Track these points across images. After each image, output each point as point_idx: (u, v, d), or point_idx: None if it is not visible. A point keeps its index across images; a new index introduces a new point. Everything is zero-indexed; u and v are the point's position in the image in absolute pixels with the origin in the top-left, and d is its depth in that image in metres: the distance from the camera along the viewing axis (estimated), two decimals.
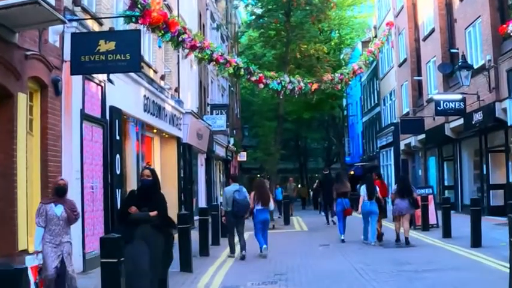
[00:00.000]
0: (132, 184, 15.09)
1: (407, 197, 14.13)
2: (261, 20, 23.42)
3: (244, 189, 13.06)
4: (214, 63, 15.61)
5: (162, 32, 13.20)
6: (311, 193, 41.49)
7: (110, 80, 11.71)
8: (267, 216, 13.10)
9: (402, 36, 30.97)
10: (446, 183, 25.45)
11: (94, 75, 11.37)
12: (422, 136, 26.89)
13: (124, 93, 13.22)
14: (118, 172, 12.61)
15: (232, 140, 37.05)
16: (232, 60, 16.28)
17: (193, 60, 18.27)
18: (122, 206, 10.51)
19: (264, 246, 12.65)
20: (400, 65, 31.60)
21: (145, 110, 15.18)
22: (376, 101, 40.84)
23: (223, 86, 36.79)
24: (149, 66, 16.81)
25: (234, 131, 40.40)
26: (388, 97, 35.89)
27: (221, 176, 35.09)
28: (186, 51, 14.86)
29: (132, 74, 13.84)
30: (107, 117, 12.19)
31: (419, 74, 27.98)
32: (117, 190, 12.46)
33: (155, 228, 7.61)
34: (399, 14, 31.22)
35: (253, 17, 23.60)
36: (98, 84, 11.81)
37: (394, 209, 14.28)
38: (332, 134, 50.27)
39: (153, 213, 7.64)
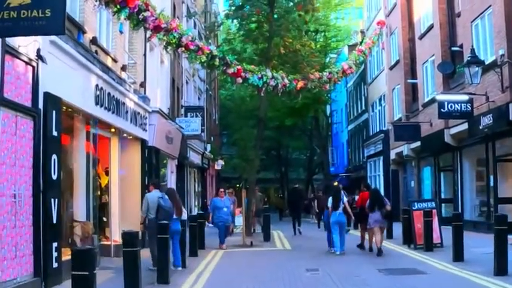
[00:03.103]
0: (79, 194, 12.44)
1: (379, 209, 14.45)
2: (240, 10, 20.83)
3: (166, 197, 12.21)
4: (183, 49, 13.35)
5: (118, 6, 10.91)
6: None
7: (40, 57, 9.05)
8: (179, 226, 12.30)
9: (394, 36, 28.71)
10: (443, 196, 23.06)
11: (22, 50, 8.81)
12: (416, 144, 24.50)
13: (66, 78, 10.55)
14: (54, 177, 9.88)
15: (209, 147, 34.61)
16: (205, 47, 13.96)
17: (157, 44, 15.78)
18: None
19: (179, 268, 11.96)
20: (391, 68, 29.31)
21: (97, 103, 12.48)
22: (363, 108, 38.54)
23: (200, 88, 34.25)
24: (106, 53, 14.23)
25: (212, 138, 37.93)
26: (377, 103, 33.60)
27: (196, 185, 32.48)
28: (149, 33, 12.64)
29: (81, 58, 11.26)
30: (40, 106, 9.54)
31: (414, 77, 25.66)
32: (52, 200, 9.76)
33: None
34: (391, 12, 29.02)
35: (233, 8, 21.03)
36: (27, 64, 9.17)
37: (368, 221, 14.56)
38: (315, 143, 47.96)
39: None
